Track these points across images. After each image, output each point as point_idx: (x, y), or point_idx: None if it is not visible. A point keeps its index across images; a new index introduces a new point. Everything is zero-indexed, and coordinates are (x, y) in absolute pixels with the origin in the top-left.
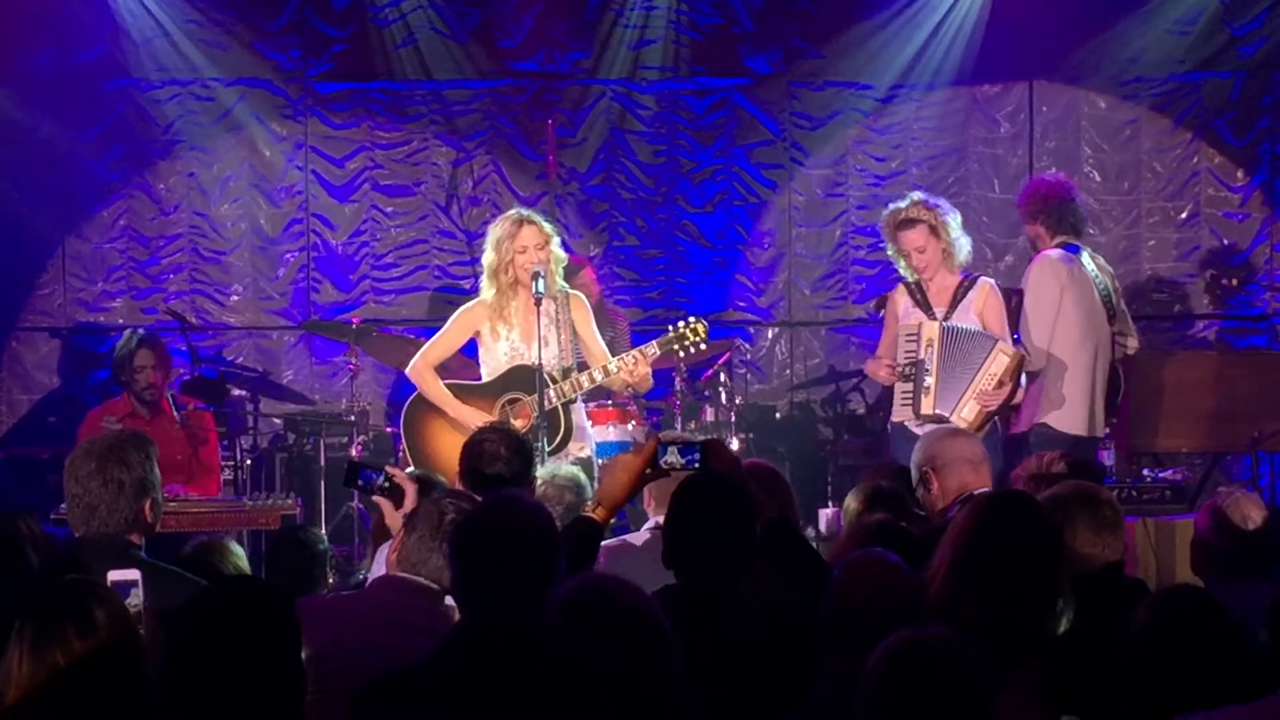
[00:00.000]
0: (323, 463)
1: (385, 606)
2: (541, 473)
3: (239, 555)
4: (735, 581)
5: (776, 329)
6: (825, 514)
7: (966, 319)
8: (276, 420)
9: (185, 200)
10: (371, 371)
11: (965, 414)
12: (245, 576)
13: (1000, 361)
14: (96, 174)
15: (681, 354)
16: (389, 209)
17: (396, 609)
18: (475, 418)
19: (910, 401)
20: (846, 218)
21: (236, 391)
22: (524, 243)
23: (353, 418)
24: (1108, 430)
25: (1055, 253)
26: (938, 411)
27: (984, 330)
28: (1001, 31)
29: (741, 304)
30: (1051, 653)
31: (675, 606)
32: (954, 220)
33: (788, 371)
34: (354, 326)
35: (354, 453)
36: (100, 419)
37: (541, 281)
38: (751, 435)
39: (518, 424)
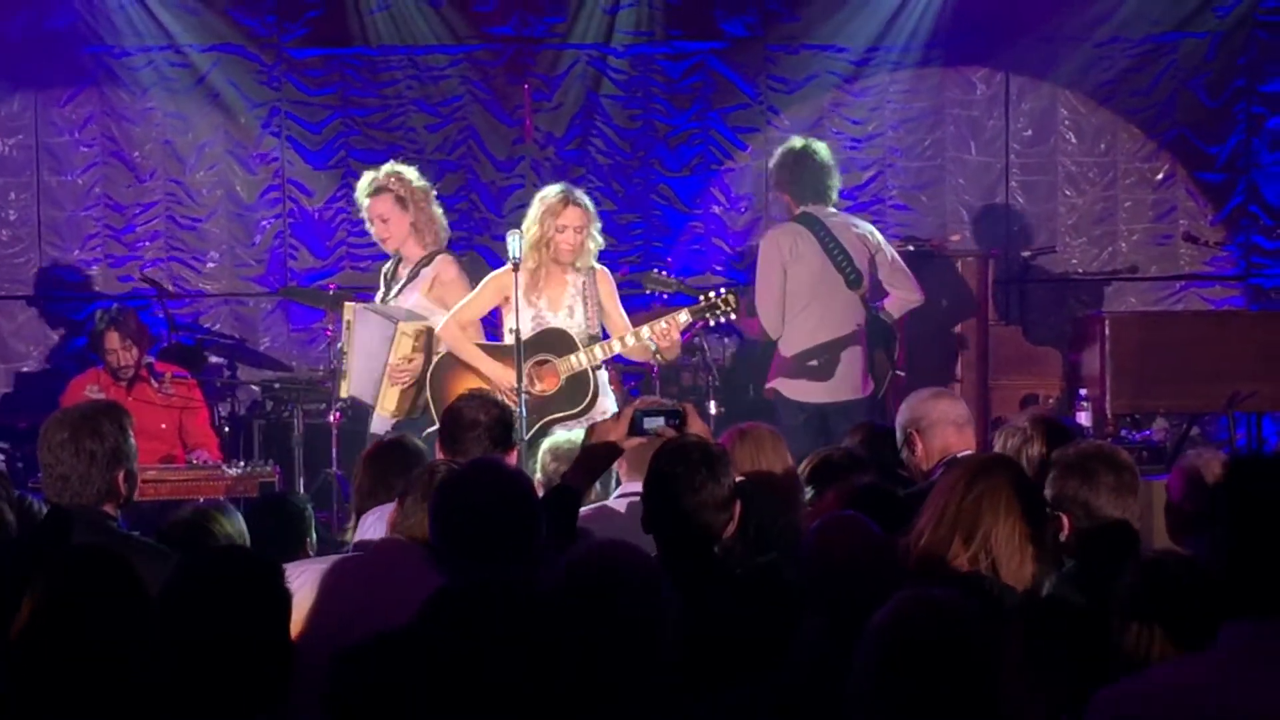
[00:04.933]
0: (300, 430)
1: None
2: (546, 444)
3: (231, 523)
4: (711, 545)
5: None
6: None
7: (410, 298)
8: (254, 387)
9: (161, 167)
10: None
11: (387, 404)
12: (232, 547)
13: (404, 343)
14: (70, 141)
15: (712, 323)
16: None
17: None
18: (506, 375)
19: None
20: None
21: (214, 359)
22: (565, 222)
23: (330, 384)
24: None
25: (782, 227)
26: (354, 395)
27: (393, 311)
28: None
29: (719, 268)
30: (1033, 614)
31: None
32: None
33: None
34: (331, 293)
35: (332, 420)
36: (83, 387)
37: (517, 244)
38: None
39: (540, 387)
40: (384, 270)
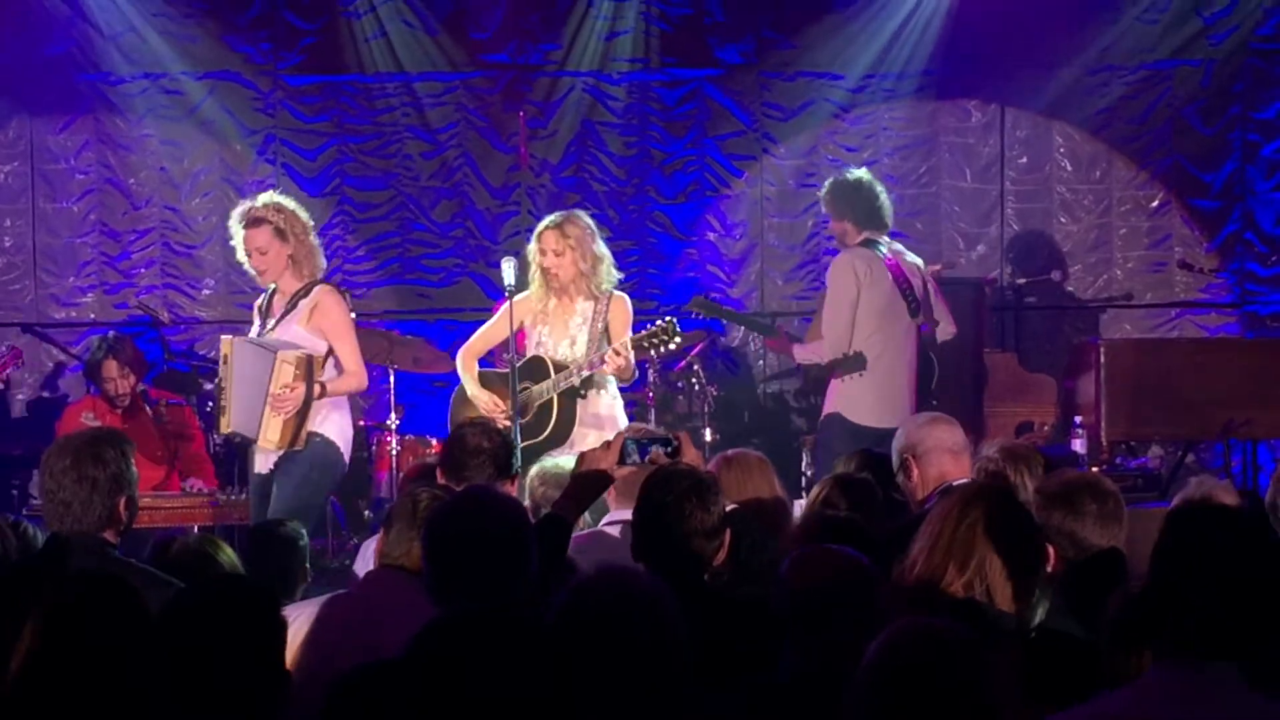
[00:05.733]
0: None
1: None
2: (534, 469)
3: (229, 551)
4: (701, 573)
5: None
6: (799, 504)
7: (289, 330)
8: None
9: (156, 194)
10: None
11: (270, 435)
12: (229, 576)
13: (285, 371)
14: (66, 169)
15: (653, 352)
16: (360, 202)
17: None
18: (487, 401)
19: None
20: (818, 208)
21: (209, 386)
22: (543, 247)
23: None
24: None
25: (855, 250)
26: (235, 430)
27: (270, 342)
28: (972, 22)
29: (714, 295)
30: (1028, 643)
31: None
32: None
33: (761, 363)
34: None
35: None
36: (79, 414)
37: (511, 271)
38: (725, 427)
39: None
40: (258, 304)
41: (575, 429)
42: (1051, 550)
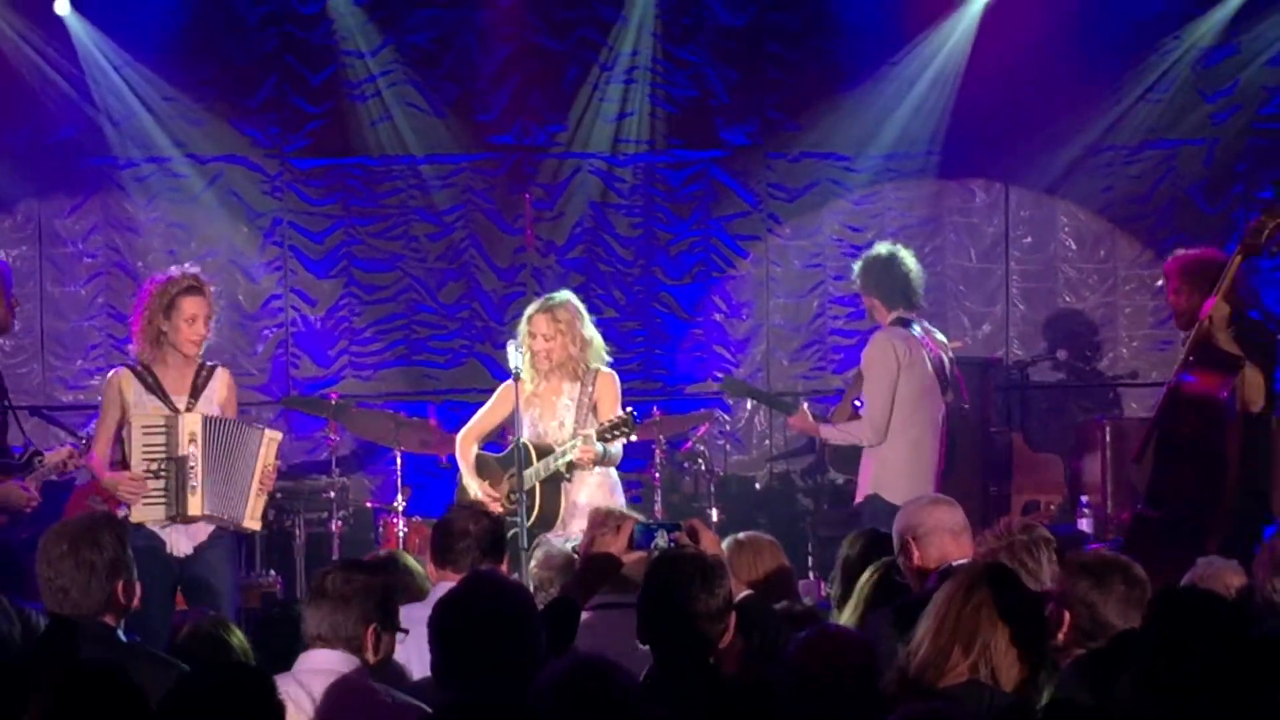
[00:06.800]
0: (302, 539)
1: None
2: (537, 552)
3: (240, 635)
4: (707, 655)
5: (755, 400)
6: (804, 584)
7: (210, 409)
8: None
9: None
10: (350, 446)
11: (256, 515)
12: (230, 663)
13: (272, 449)
14: (74, 252)
15: (615, 445)
16: (367, 284)
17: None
18: (478, 487)
19: (163, 500)
20: (824, 288)
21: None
22: (535, 330)
23: (332, 494)
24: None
25: (892, 330)
26: (208, 513)
27: (241, 419)
28: (976, 102)
29: (720, 375)
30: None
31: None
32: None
33: (767, 442)
34: (333, 402)
35: (334, 528)
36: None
37: (516, 355)
38: (731, 507)
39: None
40: (124, 383)
41: (564, 510)
42: (1068, 617)
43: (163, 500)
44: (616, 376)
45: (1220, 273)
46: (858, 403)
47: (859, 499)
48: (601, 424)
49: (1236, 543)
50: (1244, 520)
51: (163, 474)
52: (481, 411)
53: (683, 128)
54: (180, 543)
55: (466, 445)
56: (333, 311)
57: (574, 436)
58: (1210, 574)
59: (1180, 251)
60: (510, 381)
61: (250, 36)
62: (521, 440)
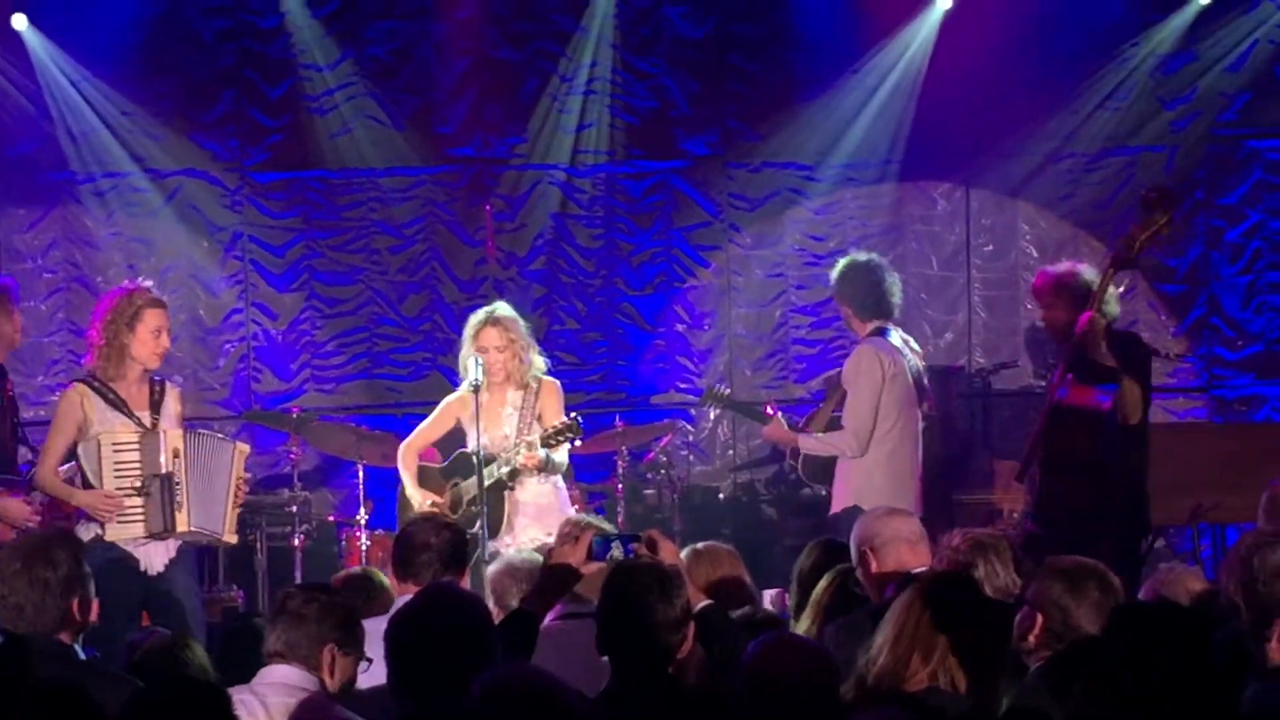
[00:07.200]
0: (264, 554)
1: None
2: (498, 561)
3: (199, 652)
4: (666, 665)
5: (718, 410)
6: (769, 594)
7: (170, 424)
8: None
9: None
10: (313, 460)
11: (231, 528)
12: (185, 679)
13: (240, 463)
14: (34, 268)
15: (560, 450)
16: (328, 297)
17: None
18: (422, 498)
19: (142, 518)
20: (786, 297)
21: None
22: (484, 344)
23: (294, 508)
24: None
25: (876, 342)
26: (195, 528)
27: (213, 433)
28: (936, 110)
29: (683, 385)
30: None
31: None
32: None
33: (730, 452)
34: (295, 416)
35: (296, 542)
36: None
37: (479, 369)
38: (694, 518)
39: (446, 509)
40: (87, 398)
41: (508, 517)
42: (1040, 619)
43: (141, 517)
44: (559, 385)
45: (1088, 286)
46: (836, 413)
47: (835, 509)
48: (545, 430)
49: (1122, 555)
50: (1126, 532)
51: (146, 491)
52: (425, 424)
53: (643, 138)
54: (155, 560)
55: (410, 457)
56: (294, 325)
57: (518, 443)
58: (1170, 579)
59: (1048, 268)
60: (452, 396)
61: (208, 50)
62: (469, 450)
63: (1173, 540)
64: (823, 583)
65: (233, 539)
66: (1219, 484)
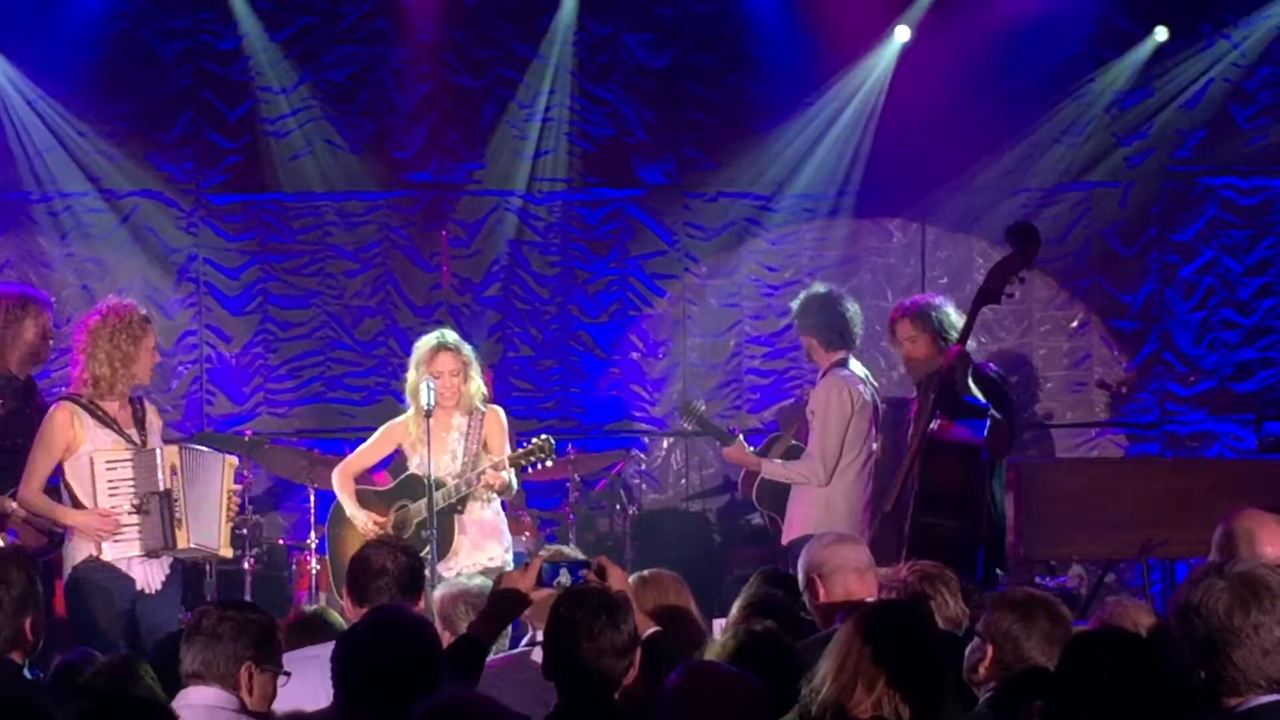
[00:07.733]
0: (213, 577)
1: None
2: (447, 585)
3: (149, 672)
4: (612, 692)
5: (671, 439)
6: (719, 624)
7: (155, 441)
8: None
9: (78, 313)
10: (265, 484)
11: (226, 542)
12: (130, 696)
13: (229, 475)
14: None
15: (529, 470)
16: (283, 321)
17: None
18: (365, 519)
19: (138, 536)
20: (740, 327)
21: None
22: (438, 369)
23: (245, 531)
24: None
25: (844, 374)
26: (196, 545)
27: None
28: (893, 143)
29: (637, 414)
30: None
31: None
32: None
33: (683, 481)
34: (247, 439)
35: (246, 566)
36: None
37: (431, 394)
38: (646, 545)
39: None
40: (79, 415)
41: (456, 539)
42: (991, 650)
43: (137, 535)
44: (503, 412)
45: (947, 319)
46: (795, 442)
47: (788, 538)
48: (515, 451)
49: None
50: (988, 566)
51: (145, 509)
52: (364, 447)
53: (600, 166)
54: (153, 579)
55: (346, 479)
56: (248, 348)
57: (480, 464)
58: (1119, 613)
59: (902, 301)
60: (395, 420)
61: (166, 71)
62: (416, 474)
63: (1123, 575)
64: (745, 589)
65: (228, 553)
66: (1169, 519)
